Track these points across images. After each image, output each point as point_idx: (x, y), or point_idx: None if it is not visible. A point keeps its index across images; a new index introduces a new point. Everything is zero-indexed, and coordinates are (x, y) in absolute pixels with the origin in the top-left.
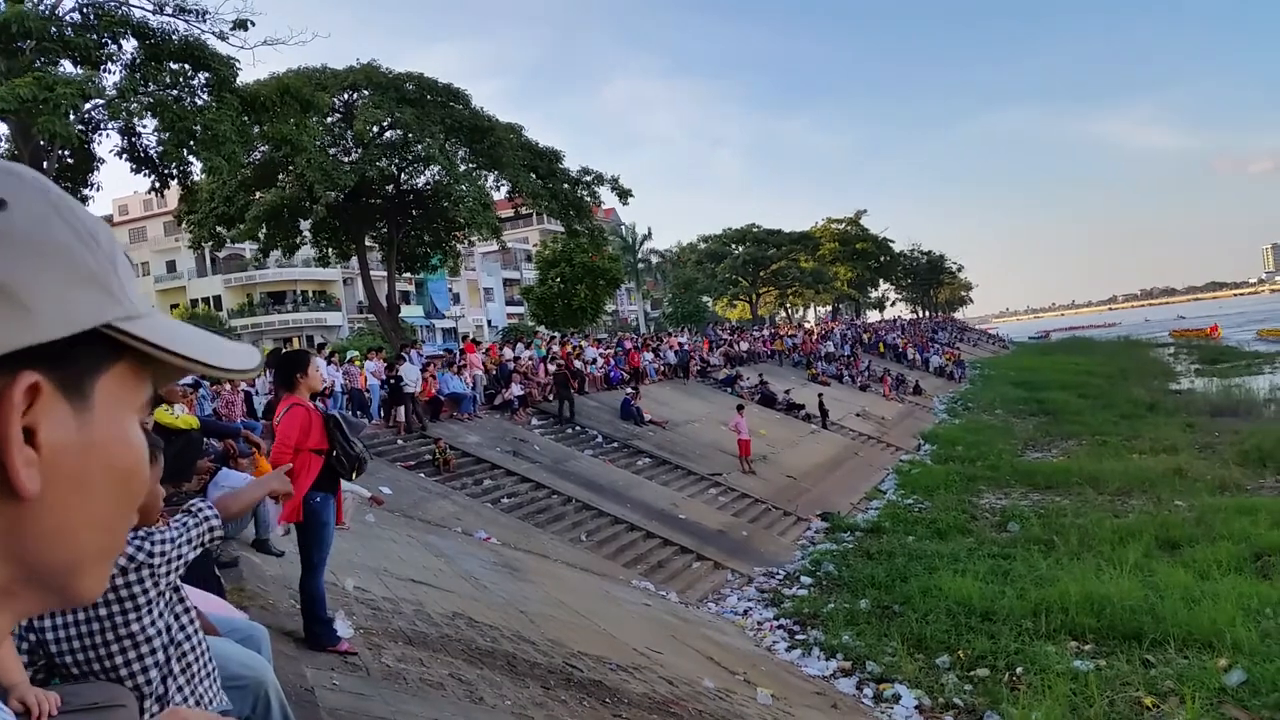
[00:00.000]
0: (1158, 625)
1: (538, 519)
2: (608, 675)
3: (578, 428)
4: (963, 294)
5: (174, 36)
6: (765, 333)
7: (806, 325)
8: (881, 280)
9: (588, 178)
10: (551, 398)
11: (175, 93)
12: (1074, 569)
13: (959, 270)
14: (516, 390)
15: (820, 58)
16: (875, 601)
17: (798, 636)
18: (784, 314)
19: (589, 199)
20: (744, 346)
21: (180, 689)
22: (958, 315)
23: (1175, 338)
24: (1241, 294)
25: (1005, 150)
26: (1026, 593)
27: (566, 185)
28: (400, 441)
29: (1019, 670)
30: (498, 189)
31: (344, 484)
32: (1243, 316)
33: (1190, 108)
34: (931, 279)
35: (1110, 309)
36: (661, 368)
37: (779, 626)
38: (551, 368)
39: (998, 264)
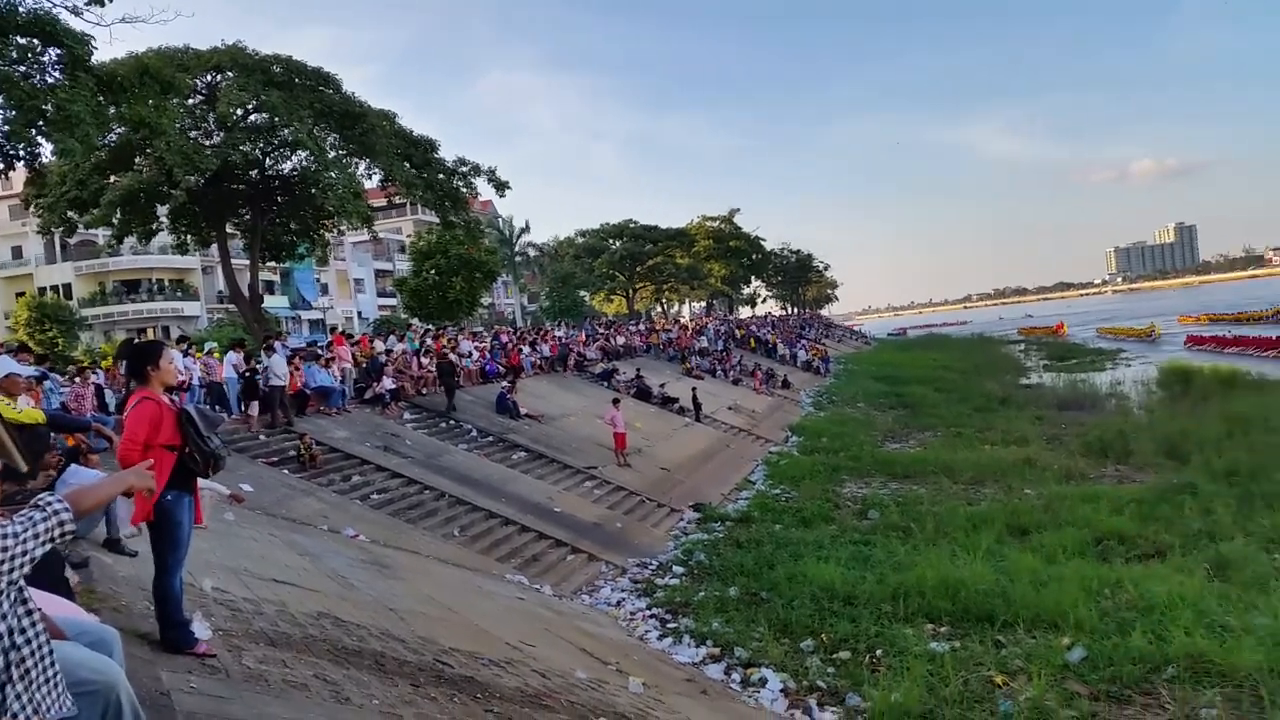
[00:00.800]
0: (1008, 607)
1: (409, 515)
2: (479, 670)
3: (452, 422)
4: (829, 292)
5: (20, 8)
6: (641, 327)
7: (681, 320)
8: (753, 277)
9: (464, 168)
10: (426, 391)
11: (23, 69)
12: (930, 555)
13: (825, 269)
14: (388, 384)
15: (700, 60)
16: (744, 589)
17: (669, 625)
18: (660, 309)
19: (465, 190)
20: (620, 341)
21: (19, 696)
22: (824, 312)
23: (1024, 335)
24: (1087, 294)
25: (870, 155)
26: (886, 578)
27: (442, 175)
28: (263, 437)
29: (879, 652)
30: (369, 177)
31: (201, 481)
32: (1087, 315)
33: (1041, 119)
34: (800, 277)
35: (966, 307)
36: (538, 361)
37: (651, 616)
38: (425, 360)
39: (862, 263)
